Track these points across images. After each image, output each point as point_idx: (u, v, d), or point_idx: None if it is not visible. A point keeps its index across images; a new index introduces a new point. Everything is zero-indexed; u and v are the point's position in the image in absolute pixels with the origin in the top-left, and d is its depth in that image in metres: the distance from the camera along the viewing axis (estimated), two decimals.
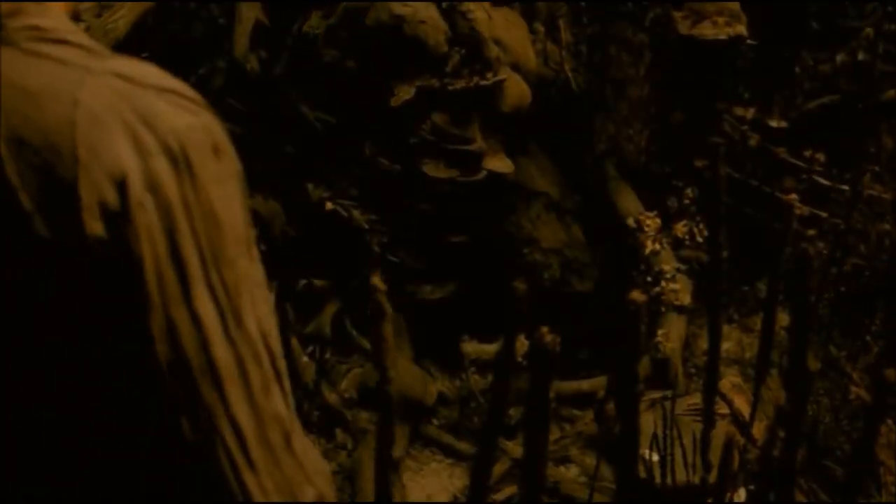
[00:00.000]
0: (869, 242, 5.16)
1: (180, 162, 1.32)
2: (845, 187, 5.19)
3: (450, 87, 4.91)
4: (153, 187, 1.30)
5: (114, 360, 1.37)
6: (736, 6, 5.88)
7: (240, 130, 5.47)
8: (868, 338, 4.46)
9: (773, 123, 5.73)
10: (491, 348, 5.26)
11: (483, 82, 5.00)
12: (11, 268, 1.34)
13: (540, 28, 5.72)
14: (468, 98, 4.96)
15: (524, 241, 5.46)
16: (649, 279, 4.78)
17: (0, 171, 1.30)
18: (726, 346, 5.33)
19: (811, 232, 1.84)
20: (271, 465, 1.38)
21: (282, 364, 1.41)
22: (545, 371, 1.47)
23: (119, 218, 1.29)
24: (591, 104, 5.80)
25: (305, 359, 5.17)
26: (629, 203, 5.59)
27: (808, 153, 5.48)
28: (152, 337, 1.31)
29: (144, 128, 1.33)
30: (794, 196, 2.40)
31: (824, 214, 5.07)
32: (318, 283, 5.30)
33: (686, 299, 5.07)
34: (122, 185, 1.29)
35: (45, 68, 1.35)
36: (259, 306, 1.37)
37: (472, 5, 5.11)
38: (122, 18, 5.75)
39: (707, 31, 5.76)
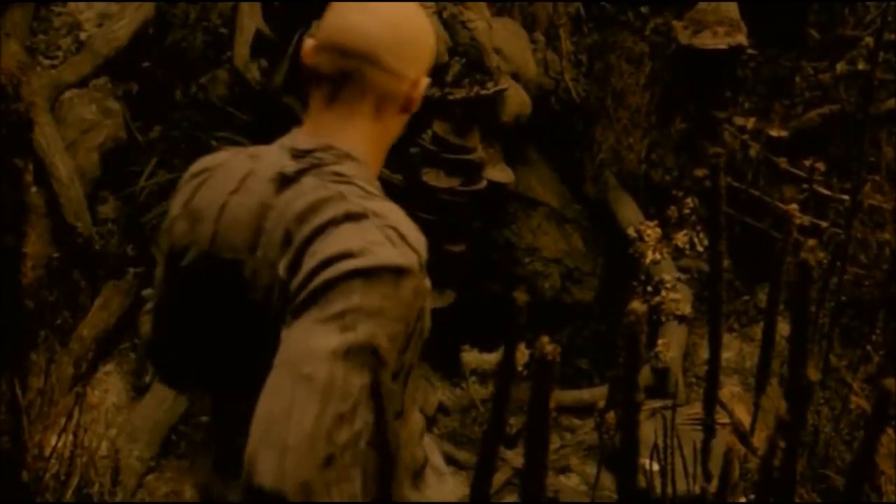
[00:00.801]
0: (869, 252, 5.16)
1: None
2: (845, 197, 5.18)
3: (450, 97, 4.91)
4: None
5: None
6: (736, 16, 5.88)
7: (240, 138, 5.48)
8: (868, 347, 4.45)
9: (774, 133, 5.74)
10: (491, 358, 5.26)
11: (484, 92, 5.00)
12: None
13: (540, 37, 5.73)
14: (469, 107, 4.96)
15: (525, 251, 5.47)
16: (650, 289, 4.77)
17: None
18: (727, 355, 5.33)
19: (811, 242, 1.84)
20: None
21: None
22: (546, 381, 1.47)
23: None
24: (592, 113, 5.80)
25: None
26: (629, 212, 5.60)
27: (808, 162, 5.47)
28: None
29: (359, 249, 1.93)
30: (794, 206, 2.40)
31: (825, 224, 5.06)
32: None
33: (686, 309, 5.07)
34: None
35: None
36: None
37: (472, 15, 5.11)
38: (124, 28, 5.75)
39: (707, 40, 5.76)
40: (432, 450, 2.37)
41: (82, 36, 5.80)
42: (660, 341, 4.86)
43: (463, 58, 5.07)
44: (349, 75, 2.11)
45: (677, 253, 4.99)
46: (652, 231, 4.63)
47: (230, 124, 5.59)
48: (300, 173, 2.06)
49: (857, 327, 4.91)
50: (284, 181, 2.06)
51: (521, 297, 1.45)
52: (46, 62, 5.69)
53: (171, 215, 2.22)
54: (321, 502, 1.81)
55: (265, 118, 5.47)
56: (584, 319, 5.53)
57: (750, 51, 5.96)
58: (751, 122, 5.78)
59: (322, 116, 2.15)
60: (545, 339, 1.39)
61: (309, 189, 2.02)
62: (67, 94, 5.51)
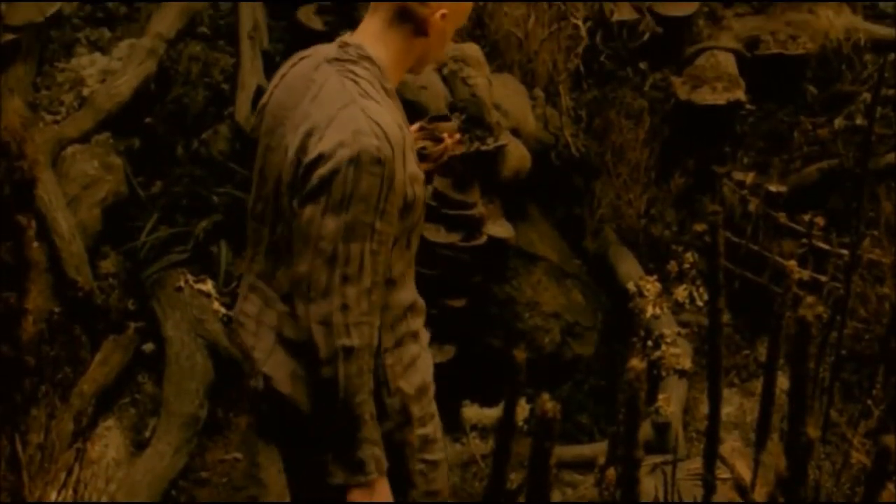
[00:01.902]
0: (869, 306, 5.16)
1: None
2: (845, 251, 5.19)
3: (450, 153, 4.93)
4: None
5: None
6: (734, 72, 5.92)
7: (241, 194, 5.50)
8: (869, 402, 4.44)
9: (772, 188, 5.75)
10: (492, 413, 5.24)
11: (484, 148, 5.03)
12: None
13: (540, 93, 5.76)
14: (469, 163, 4.99)
15: (525, 306, 5.47)
16: (650, 343, 4.77)
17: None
18: (727, 410, 5.32)
19: (810, 298, 1.85)
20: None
21: None
22: (546, 439, 1.47)
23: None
24: (591, 169, 5.82)
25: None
26: (629, 267, 5.60)
27: (807, 217, 5.49)
28: None
29: (351, 137, 2.61)
30: (793, 262, 2.41)
31: (824, 278, 5.07)
32: None
33: (687, 363, 5.06)
34: None
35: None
36: (378, 251, 2.69)
37: (472, 71, 5.15)
38: (126, 84, 5.78)
39: (706, 96, 5.80)
40: (422, 333, 3.03)
41: (85, 92, 5.83)
42: (660, 396, 4.85)
43: (463, 114, 5.10)
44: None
45: (677, 307, 4.99)
46: (652, 286, 4.63)
47: (232, 180, 5.62)
48: (332, 60, 2.76)
49: (857, 382, 4.91)
50: (322, 62, 2.78)
51: (520, 354, 1.46)
52: (49, 118, 5.71)
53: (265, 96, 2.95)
54: (345, 342, 2.60)
55: None
56: (585, 374, 5.52)
57: (748, 106, 6.00)
58: (750, 177, 5.80)
59: (367, 22, 2.81)
60: (545, 396, 1.39)
61: (328, 80, 2.72)
62: (70, 150, 5.53)
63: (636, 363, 1.41)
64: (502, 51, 5.76)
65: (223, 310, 5.26)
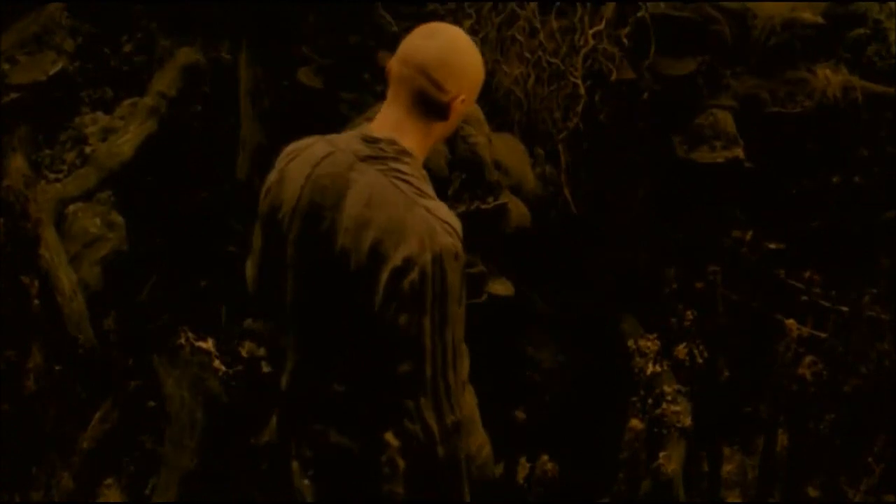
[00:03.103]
0: (869, 363, 5.17)
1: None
2: (845, 308, 5.21)
3: None
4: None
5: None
6: (733, 130, 5.95)
7: (240, 252, 5.51)
8: (870, 460, 4.45)
9: (772, 245, 5.77)
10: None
11: (484, 206, 5.04)
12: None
13: (539, 151, 5.78)
14: (469, 222, 5.00)
15: (525, 364, 5.47)
16: (650, 401, 4.77)
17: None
18: (727, 468, 5.31)
19: (809, 358, 1.87)
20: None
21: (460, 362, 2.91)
22: (546, 499, 1.49)
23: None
24: (590, 226, 5.83)
25: (306, 481, 5.13)
26: (629, 325, 5.60)
27: (806, 274, 5.50)
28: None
29: (428, 239, 2.75)
30: (792, 321, 2.43)
31: (823, 335, 5.08)
32: None
33: (687, 421, 5.06)
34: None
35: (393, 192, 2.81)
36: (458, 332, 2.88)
37: (472, 130, 5.18)
38: (128, 142, 5.82)
39: (705, 154, 5.83)
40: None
41: (87, 150, 5.86)
42: (661, 454, 4.85)
43: (463, 172, 5.13)
44: (406, 80, 2.87)
45: (677, 365, 5.00)
46: (652, 344, 4.65)
47: (233, 238, 5.64)
48: (368, 158, 2.85)
49: (857, 440, 4.90)
50: (357, 160, 2.85)
51: (520, 415, 1.47)
52: (52, 176, 5.74)
53: (268, 182, 3.01)
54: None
55: None
56: (585, 433, 5.51)
57: (747, 164, 6.02)
58: (748, 235, 5.82)
59: (387, 111, 2.92)
60: (545, 458, 1.41)
61: (375, 182, 2.81)
62: (71, 208, 5.55)
63: (636, 423, 1.43)
64: (502, 109, 5.79)
65: (223, 367, 5.26)
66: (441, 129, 2.95)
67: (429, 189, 2.87)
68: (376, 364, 2.86)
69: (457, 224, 2.84)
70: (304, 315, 2.98)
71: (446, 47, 2.87)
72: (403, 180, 2.82)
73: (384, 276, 2.76)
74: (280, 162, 3.01)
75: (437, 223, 2.78)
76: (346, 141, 2.92)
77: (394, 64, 2.91)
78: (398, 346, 2.79)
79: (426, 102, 2.87)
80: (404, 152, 2.86)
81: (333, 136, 3.00)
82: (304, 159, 2.94)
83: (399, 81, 2.90)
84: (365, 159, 2.85)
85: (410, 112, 2.88)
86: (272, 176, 3.00)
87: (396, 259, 2.74)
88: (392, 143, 2.86)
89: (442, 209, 2.83)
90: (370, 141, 2.87)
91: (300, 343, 3.03)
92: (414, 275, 2.73)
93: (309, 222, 2.88)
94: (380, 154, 2.85)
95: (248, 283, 3.20)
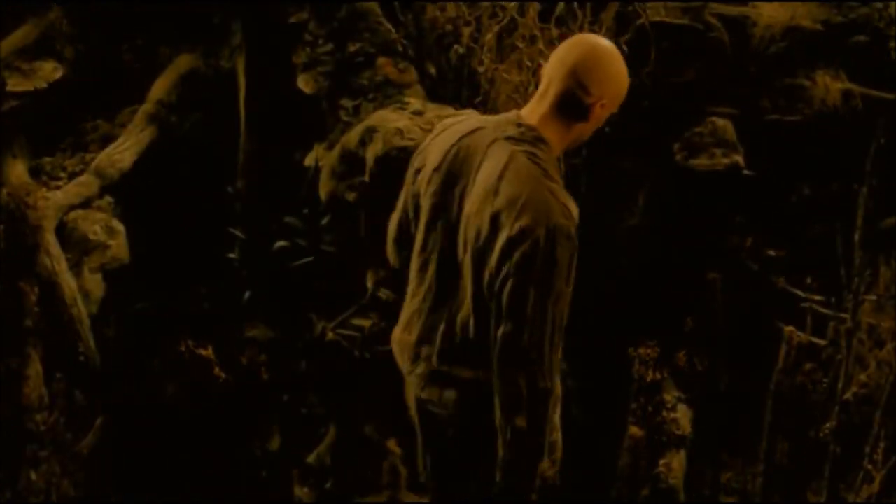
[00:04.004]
0: (869, 371, 5.17)
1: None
2: (845, 315, 5.20)
3: None
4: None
5: None
6: (733, 137, 5.95)
7: (240, 259, 5.53)
8: (869, 467, 4.44)
9: (771, 252, 5.77)
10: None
11: None
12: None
13: None
14: None
15: None
16: (650, 408, 4.78)
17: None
18: (727, 475, 5.30)
19: (809, 365, 1.87)
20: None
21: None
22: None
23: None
24: (590, 234, 5.83)
25: (306, 489, 5.15)
26: (628, 333, 5.59)
27: (806, 281, 5.50)
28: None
29: (545, 216, 3.03)
30: (791, 328, 2.43)
31: (823, 342, 5.08)
32: (319, 411, 5.30)
33: (687, 429, 5.06)
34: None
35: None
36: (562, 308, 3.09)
37: None
38: (128, 150, 5.83)
39: (704, 161, 5.83)
40: None
41: (87, 157, 5.87)
42: (661, 462, 4.85)
43: None
44: (556, 79, 3.16)
45: (677, 373, 5.00)
46: (652, 351, 4.65)
47: (233, 245, 5.65)
48: (510, 138, 3.15)
49: (858, 447, 4.90)
50: (500, 138, 3.16)
51: (519, 422, 1.47)
52: (52, 183, 5.74)
53: (420, 146, 3.40)
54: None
55: (264, 239, 5.53)
56: (587, 438, 5.51)
57: (746, 171, 6.01)
58: (748, 242, 5.82)
59: (536, 105, 3.22)
60: (546, 464, 1.41)
61: (512, 159, 3.10)
62: (72, 215, 5.55)
63: (635, 431, 1.43)
64: None
65: (223, 375, 5.27)
66: (580, 129, 3.24)
67: (556, 175, 3.15)
68: (484, 324, 3.14)
69: (574, 209, 3.11)
70: (427, 267, 3.32)
71: (597, 55, 3.18)
72: (535, 163, 3.10)
73: (500, 243, 3.03)
74: (435, 129, 3.41)
75: (556, 203, 3.04)
76: (496, 121, 3.27)
77: (548, 63, 3.23)
78: (502, 310, 3.05)
79: (571, 102, 3.17)
80: (541, 139, 3.16)
81: (486, 116, 3.41)
82: (454, 130, 3.31)
83: (550, 79, 3.19)
84: (507, 139, 3.16)
85: (555, 108, 3.18)
86: (425, 141, 3.41)
87: (514, 229, 3.01)
88: (532, 129, 3.17)
89: (563, 193, 3.10)
90: (516, 124, 3.20)
91: (424, 293, 3.35)
92: (526, 246, 2.99)
93: (446, 184, 3.23)
94: (520, 136, 3.16)
95: (387, 237, 3.63)
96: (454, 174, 3.23)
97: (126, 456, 5.13)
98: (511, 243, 3.03)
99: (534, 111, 3.23)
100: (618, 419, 5.30)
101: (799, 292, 5.45)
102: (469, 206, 3.16)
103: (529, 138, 3.16)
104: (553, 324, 3.07)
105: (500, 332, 3.08)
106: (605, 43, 3.25)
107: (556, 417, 3.44)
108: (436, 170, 3.27)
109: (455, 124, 3.36)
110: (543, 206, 3.03)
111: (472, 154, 3.21)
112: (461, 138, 3.26)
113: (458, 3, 5.78)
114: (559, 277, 3.04)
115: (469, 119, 3.39)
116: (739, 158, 5.91)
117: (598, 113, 3.21)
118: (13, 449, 4.53)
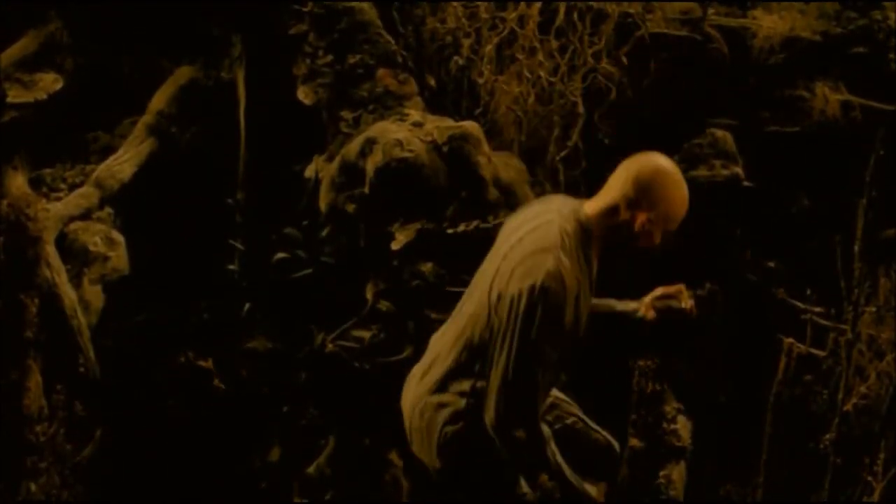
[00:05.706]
0: (869, 382, 5.17)
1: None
2: (844, 326, 5.20)
3: (450, 231, 4.96)
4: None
5: None
6: (732, 149, 5.95)
7: (240, 270, 5.53)
8: (869, 478, 4.44)
9: (771, 264, 5.77)
10: None
11: (484, 225, 5.05)
12: None
13: (539, 170, 5.79)
14: (470, 240, 5.01)
15: None
16: (650, 420, 4.77)
17: None
18: (728, 486, 5.30)
19: (808, 376, 1.88)
20: None
21: None
22: None
23: None
24: None
25: (306, 500, 5.15)
26: (628, 344, 5.59)
27: (807, 293, 5.50)
28: None
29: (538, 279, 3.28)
30: (791, 339, 2.43)
31: (822, 354, 5.08)
32: (319, 422, 5.30)
33: (687, 440, 5.06)
34: None
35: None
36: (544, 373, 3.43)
37: (472, 149, 5.19)
38: (128, 162, 5.83)
39: (703, 173, 5.83)
40: None
41: (87, 168, 5.87)
42: (661, 473, 4.85)
43: (463, 191, 5.14)
44: (618, 179, 3.42)
45: (677, 384, 5.00)
46: (651, 363, 4.65)
47: (232, 256, 5.65)
48: (558, 211, 3.46)
49: (858, 458, 4.90)
50: (554, 209, 3.50)
51: (520, 434, 1.48)
52: (52, 194, 5.75)
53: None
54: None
55: (264, 251, 5.53)
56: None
57: (746, 183, 6.02)
58: (748, 254, 5.82)
59: (601, 193, 3.46)
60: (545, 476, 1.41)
61: (549, 225, 3.41)
62: (72, 226, 5.56)
63: (635, 443, 1.43)
64: (501, 128, 5.80)
65: (223, 386, 5.27)
66: (623, 228, 3.45)
67: (573, 251, 3.38)
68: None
69: (570, 280, 3.35)
70: (461, 307, 3.67)
71: (648, 172, 3.44)
72: (561, 235, 3.37)
73: (502, 300, 3.35)
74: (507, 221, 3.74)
75: (556, 267, 3.29)
76: (566, 201, 3.59)
77: (620, 165, 3.48)
78: (498, 355, 3.36)
79: (617, 210, 3.42)
80: (582, 222, 3.44)
81: (561, 202, 3.60)
82: (526, 209, 3.69)
83: (615, 177, 3.45)
84: (558, 210, 3.47)
85: (609, 209, 3.42)
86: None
87: (513, 288, 3.31)
88: (580, 210, 3.47)
89: (566, 264, 3.34)
90: (579, 205, 3.50)
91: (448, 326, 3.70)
92: (516, 306, 3.28)
93: (496, 244, 3.59)
94: (567, 212, 3.46)
95: None
96: (501, 240, 3.62)
97: (126, 467, 5.14)
98: (508, 301, 3.33)
99: (596, 197, 3.48)
100: (618, 431, 5.30)
101: (798, 304, 5.45)
102: (497, 265, 3.49)
103: (571, 217, 3.44)
104: (532, 383, 3.35)
105: (494, 371, 3.38)
106: (668, 165, 3.50)
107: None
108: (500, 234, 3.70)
109: (528, 207, 3.74)
110: (541, 270, 3.29)
111: (522, 217, 3.62)
112: (526, 212, 3.66)
113: (457, 14, 5.79)
114: (542, 339, 3.30)
115: (535, 206, 3.69)
116: (739, 170, 5.91)
117: (645, 229, 3.44)
118: (13, 460, 4.52)
